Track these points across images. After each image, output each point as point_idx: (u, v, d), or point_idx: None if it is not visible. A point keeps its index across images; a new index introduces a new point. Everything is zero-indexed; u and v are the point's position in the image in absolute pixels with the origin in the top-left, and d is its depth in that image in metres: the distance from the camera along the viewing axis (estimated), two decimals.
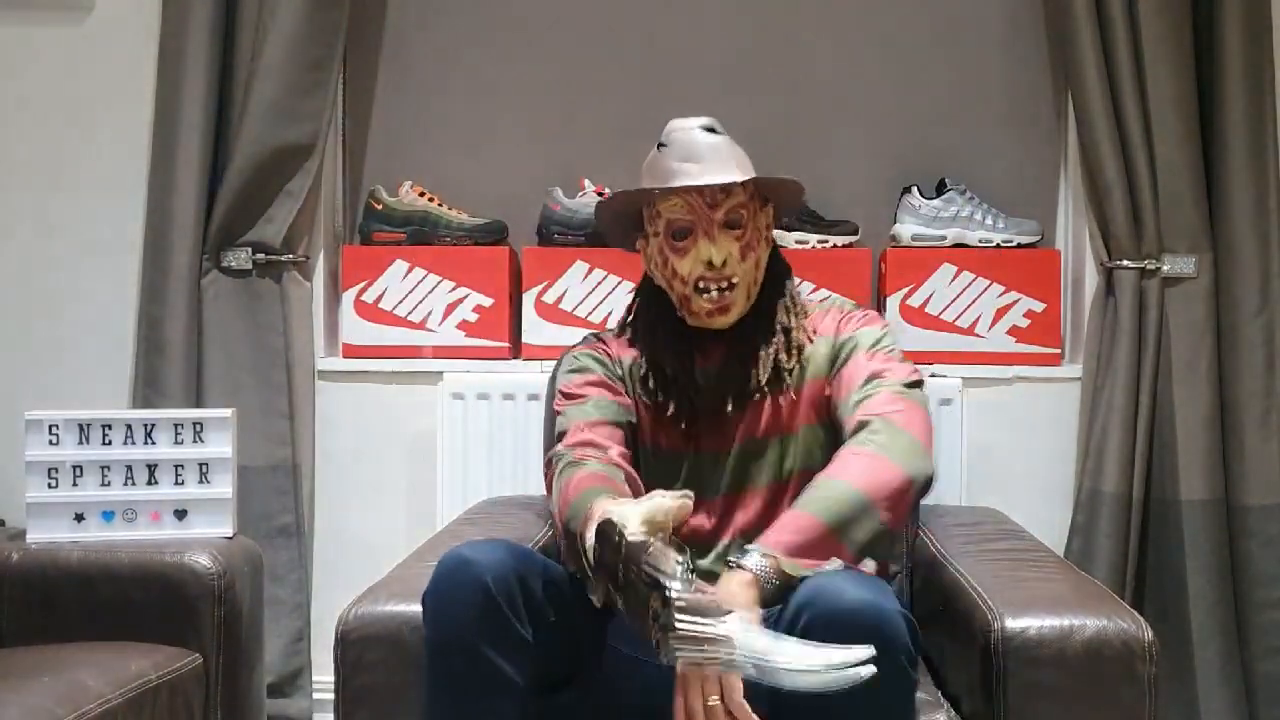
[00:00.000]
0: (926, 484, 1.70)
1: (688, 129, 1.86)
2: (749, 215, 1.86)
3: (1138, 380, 2.60)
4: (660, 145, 1.87)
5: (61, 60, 2.79)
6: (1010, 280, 2.70)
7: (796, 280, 1.96)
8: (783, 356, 1.87)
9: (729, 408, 1.86)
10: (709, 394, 1.87)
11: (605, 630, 1.72)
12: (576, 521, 1.64)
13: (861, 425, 1.72)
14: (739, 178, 1.82)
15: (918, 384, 1.80)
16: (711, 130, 1.87)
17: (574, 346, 2.00)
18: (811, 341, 1.88)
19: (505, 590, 1.56)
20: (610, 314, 2.72)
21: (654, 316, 1.94)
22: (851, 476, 1.64)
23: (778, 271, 1.93)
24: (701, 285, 1.85)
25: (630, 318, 1.98)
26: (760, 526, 1.70)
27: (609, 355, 1.95)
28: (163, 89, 2.69)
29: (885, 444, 1.68)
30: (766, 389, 1.86)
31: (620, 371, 1.93)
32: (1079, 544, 2.60)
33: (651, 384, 1.90)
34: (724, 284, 1.84)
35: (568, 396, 1.91)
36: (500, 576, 1.56)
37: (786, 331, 1.88)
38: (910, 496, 1.67)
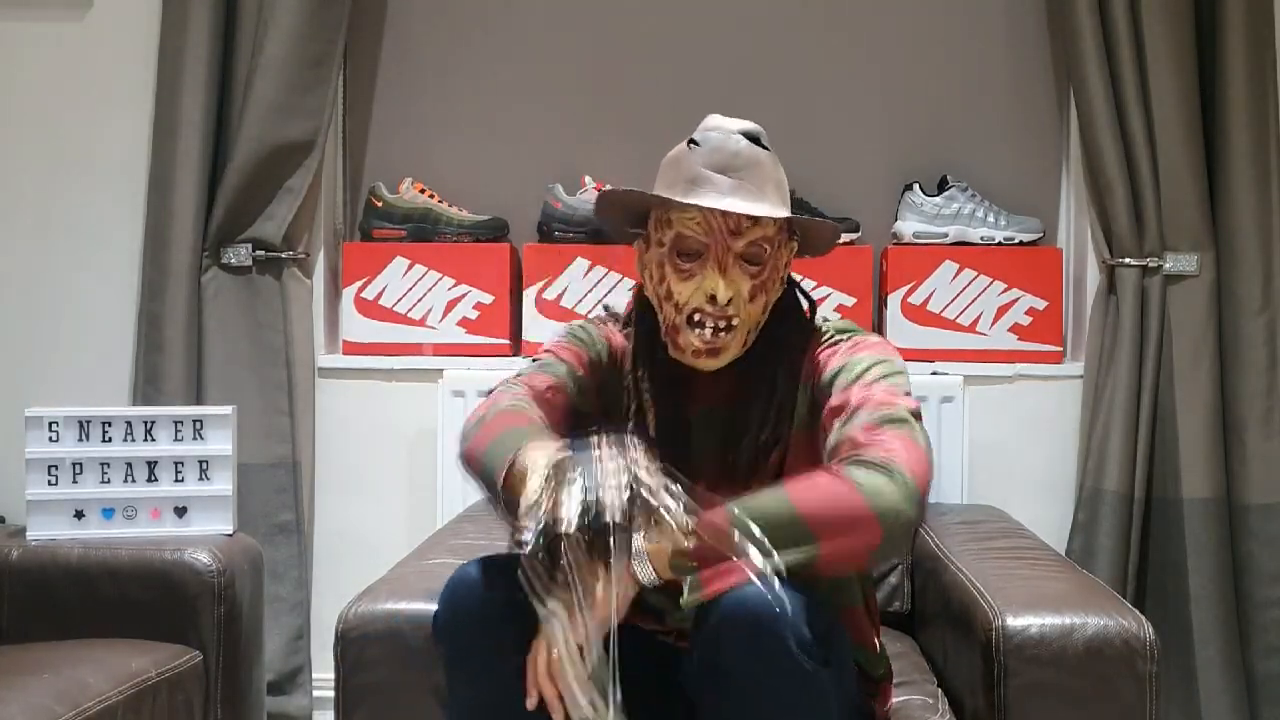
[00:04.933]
0: (902, 526, 1.43)
1: (728, 132, 1.62)
2: (771, 251, 1.62)
3: (1139, 378, 2.60)
4: (691, 142, 1.63)
5: (61, 57, 2.79)
6: (1012, 278, 2.69)
7: (821, 319, 1.72)
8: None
9: (727, 457, 1.65)
10: (707, 437, 1.67)
11: None
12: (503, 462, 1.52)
13: (839, 457, 1.49)
14: (778, 213, 1.59)
15: (913, 416, 1.55)
16: (756, 141, 1.63)
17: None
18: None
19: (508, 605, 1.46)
20: None
21: (648, 338, 1.71)
22: (797, 494, 1.42)
23: (793, 307, 1.70)
24: (697, 319, 1.61)
25: (628, 324, 1.76)
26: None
27: (611, 346, 1.75)
28: (163, 86, 2.69)
29: (857, 475, 1.43)
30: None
31: (609, 363, 1.74)
32: (1080, 542, 2.60)
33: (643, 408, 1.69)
34: (723, 323, 1.61)
35: (549, 349, 1.75)
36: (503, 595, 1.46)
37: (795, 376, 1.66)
38: (866, 536, 1.41)
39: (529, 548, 1.37)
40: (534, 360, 1.73)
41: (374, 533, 2.78)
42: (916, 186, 2.73)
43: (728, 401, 1.68)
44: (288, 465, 2.70)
